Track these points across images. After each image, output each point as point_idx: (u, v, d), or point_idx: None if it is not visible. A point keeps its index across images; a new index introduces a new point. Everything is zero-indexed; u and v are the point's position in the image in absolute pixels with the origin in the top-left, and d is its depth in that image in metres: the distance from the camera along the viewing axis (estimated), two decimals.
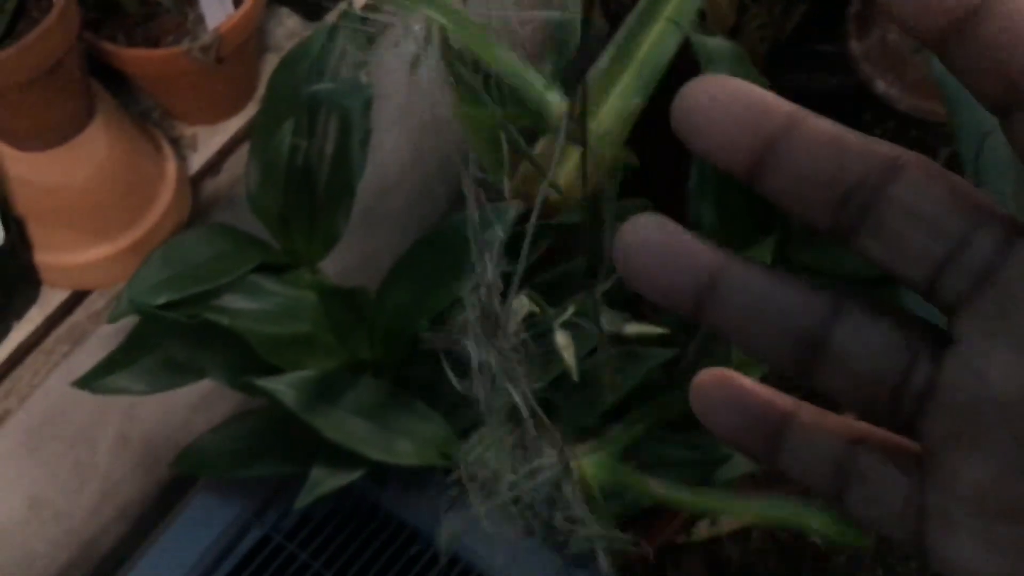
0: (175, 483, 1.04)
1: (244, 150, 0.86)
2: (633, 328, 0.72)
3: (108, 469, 0.94)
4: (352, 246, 1.03)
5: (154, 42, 0.72)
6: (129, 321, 0.80)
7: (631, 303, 0.79)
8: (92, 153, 0.68)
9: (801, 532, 1.23)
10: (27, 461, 0.83)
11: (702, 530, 1.24)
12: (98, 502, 0.94)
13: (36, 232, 0.71)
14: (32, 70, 0.58)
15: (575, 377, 0.72)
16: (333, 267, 0.96)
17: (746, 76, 0.76)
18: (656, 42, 0.84)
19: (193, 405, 0.99)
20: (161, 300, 0.67)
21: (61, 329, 0.78)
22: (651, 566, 1.14)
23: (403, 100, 1.07)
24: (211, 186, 0.84)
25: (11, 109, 0.62)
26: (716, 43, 0.73)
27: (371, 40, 0.92)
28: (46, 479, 0.87)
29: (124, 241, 0.74)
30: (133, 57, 0.70)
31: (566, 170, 0.90)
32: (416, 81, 1.07)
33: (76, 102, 0.66)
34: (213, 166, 0.83)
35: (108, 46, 0.69)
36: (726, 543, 1.28)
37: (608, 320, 0.75)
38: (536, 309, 0.76)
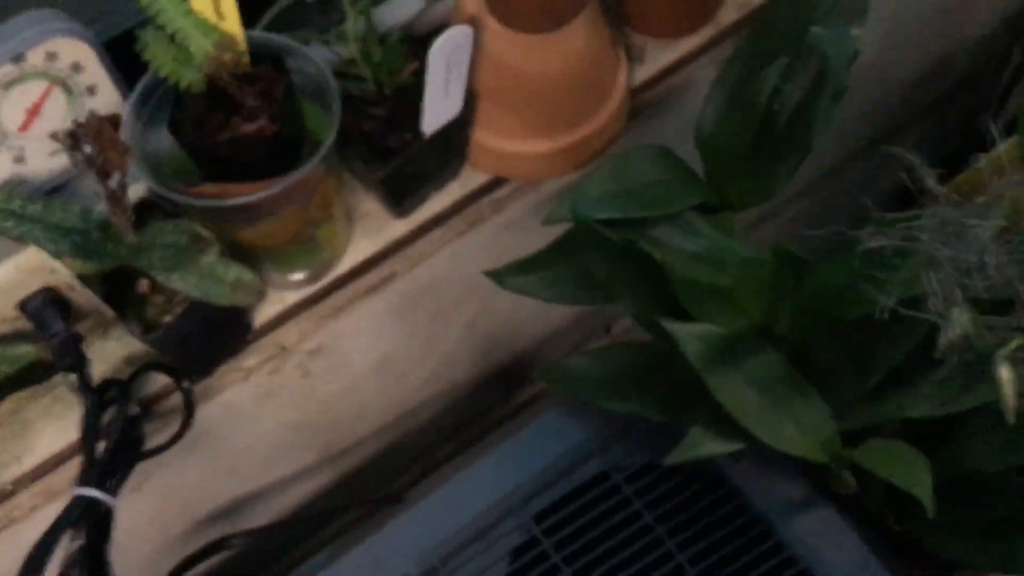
0: (500, 378, 1.04)
1: (687, 71, 0.80)
2: None
3: (452, 348, 0.94)
4: None
5: None
6: (518, 218, 0.78)
7: None
8: (571, 45, 0.65)
9: None
10: (393, 323, 0.84)
11: None
12: (433, 375, 0.95)
13: (485, 111, 0.69)
14: None
15: (1009, 419, 0.64)
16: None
17: None
18: None
19: (535, 315, 0.98)
20: (603, 215, 0.63)
21: (468, 209, 0.77)
22: None
23: None
24: (642, 101, 0.80)
25: None
26: None
27: None
28: (401, 343, 0.88)
29: (563, 141, 0.71)
30: None
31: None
32: None
33: None
34: (654, 82, 0.79)
35: None
36: None
37: None
38: (973, 331, 0.68)
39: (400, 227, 0.74)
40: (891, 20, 0.98)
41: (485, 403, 1.06)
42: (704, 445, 0.67)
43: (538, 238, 0.70)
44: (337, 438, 0.94)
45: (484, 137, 0.71)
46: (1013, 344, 0.66)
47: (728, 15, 0.79)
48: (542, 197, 0.79)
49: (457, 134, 0.69)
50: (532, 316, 0.99)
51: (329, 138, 0.57)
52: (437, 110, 0.64)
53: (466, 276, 0.81)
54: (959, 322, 0.67)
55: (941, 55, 1.11)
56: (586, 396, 0.77)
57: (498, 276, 0.68)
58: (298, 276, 0.70)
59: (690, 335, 0.66)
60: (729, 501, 0.77)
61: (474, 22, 0.64)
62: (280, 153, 0.59)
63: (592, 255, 0.65)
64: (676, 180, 0.67)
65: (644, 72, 0.78)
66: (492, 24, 0.64)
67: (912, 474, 0.61)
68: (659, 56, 0.78)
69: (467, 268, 0.80)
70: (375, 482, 1.03)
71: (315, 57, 0.60)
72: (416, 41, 0.68)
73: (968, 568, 0.71)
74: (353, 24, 0.64)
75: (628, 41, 0.78)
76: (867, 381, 0.70)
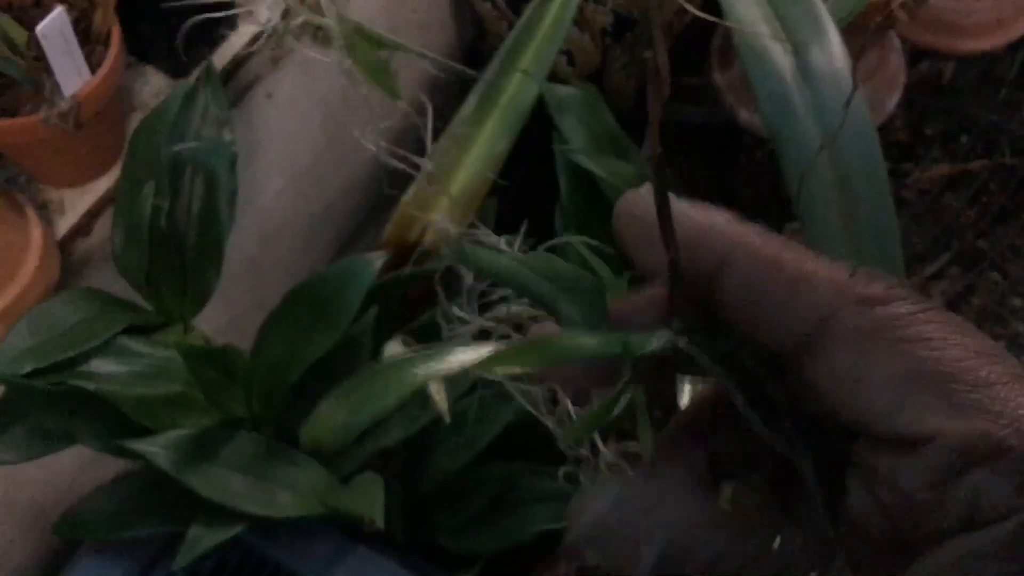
0: (67, 546, 1.02)
1: (110, 210, 0.86)
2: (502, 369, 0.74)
3: None
4: (236, 295, 1.03)
5: (12, 111, 0.72)
6: None
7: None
8: None
9: None
10: None
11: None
12: None
13: None
14: None
15: (448, 420, 0.74)
16: (217, 318, 0.96)
17: (598, 121, 0.79)
18: (517, 90, 0.87)
19: (80, 466, 0.98)
20: (26, 369, 0.67)
21: None
22: None
23: (282, 148, 1.08)
24: (83, 247, 0.84)
25: None
26: (566, 91, 0.76)
27: (239, 96, 0.93)
28: None
29: None
30: None
31: (438, 213, 0.92)
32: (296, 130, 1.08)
33: None
34: (82, 228, 0.83)
35: None
36: None
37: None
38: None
39: None
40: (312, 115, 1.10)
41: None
42: (204, 540, 0.72)
43: None
44: None
45: None
46: (394, 343, 0.77)
47: None
48: None
49: None
50: (76, 469, 0.99)
51: None
52: None
53: None
54: (392, 352, 0.77)
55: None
56: (107, 533, 0.80)
57: None
58: None
59: (156, 448, 0.71)
60: (278, 575, 0.82)
61: None
62: None
63: (36, 408, 0.68)
64: (99, 314, 0.72)
65: (67, 223, 0.82)
66: None
67: (365, 498, 0.69)
68: (78, 204, 0.83)
69: None
70: None
71: None
72: None
73: (485, 555, 0.80)
74: None
75: (43, 198, 0.82)
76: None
